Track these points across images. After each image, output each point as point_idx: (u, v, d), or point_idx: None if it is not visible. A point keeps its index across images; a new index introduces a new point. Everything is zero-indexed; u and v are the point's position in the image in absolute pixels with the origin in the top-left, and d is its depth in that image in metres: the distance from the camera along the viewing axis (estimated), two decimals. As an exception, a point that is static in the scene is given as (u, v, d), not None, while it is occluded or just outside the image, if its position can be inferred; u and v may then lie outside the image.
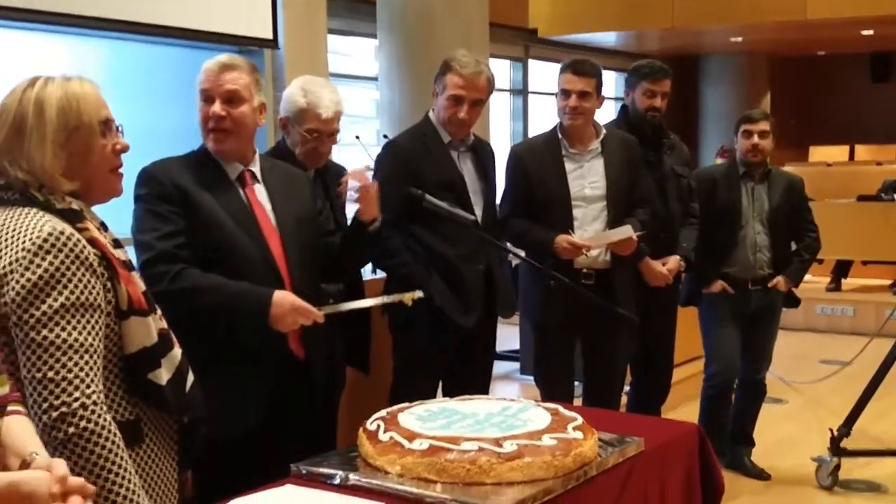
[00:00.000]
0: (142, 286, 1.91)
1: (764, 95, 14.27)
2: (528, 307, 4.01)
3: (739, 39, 12.57)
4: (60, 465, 1.46)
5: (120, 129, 1.95)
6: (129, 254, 2.04)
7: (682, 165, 4.51)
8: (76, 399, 1.70)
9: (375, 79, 7.97)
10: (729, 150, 11.90)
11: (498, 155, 3.85)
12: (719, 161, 11.49)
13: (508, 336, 5.89)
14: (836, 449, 4.64)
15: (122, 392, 1.85)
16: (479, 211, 3.57)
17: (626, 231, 3.74)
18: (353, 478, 2.19)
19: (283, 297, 2.58)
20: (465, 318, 3.49)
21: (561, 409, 2.53)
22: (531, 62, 11.79)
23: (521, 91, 11.71)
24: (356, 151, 5.66)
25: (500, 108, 10.99)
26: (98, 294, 1.78)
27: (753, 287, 4.61)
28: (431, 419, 2.40)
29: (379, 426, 2.34)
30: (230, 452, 2.52)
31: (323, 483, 2.21)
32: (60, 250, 1.74)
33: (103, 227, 1.93)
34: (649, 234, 4.06)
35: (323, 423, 3.00)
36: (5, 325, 1.73)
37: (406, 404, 2.56)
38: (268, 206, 2.74)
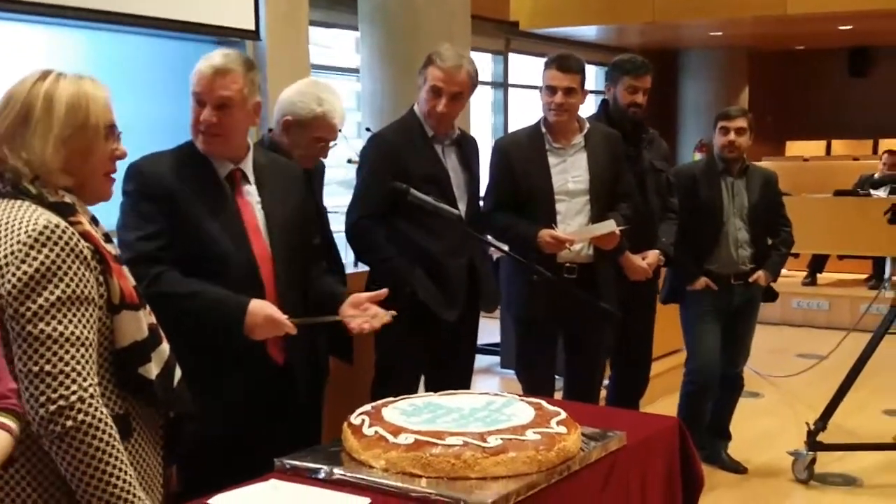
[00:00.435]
0: (132, 280, 1.91)
1: (742, 90, 14.36)
2: (510, 301, 4.03)
3: (719, 34, 12.64)
4: None
5: (120, 136, 1.95)
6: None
7: (661, 160, 4.54)
8: (74, 392, 1.70)
9: (356, 71, 7.96)
10: (707, 144, 11.96)
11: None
12: (697, 155, 11.57)
13: (489, 330, 5.90)
14: (813, 443, 4.69)
15: (112, 386, 1.85)
16: (462, 205, 3.57)
17: (610, 225, 3.76)
18: (338, 472, 2.19)
19: (259, 308, 2.54)
20: (449, 312, 3.50)
21: (544, 403, 2.54)
22: (512, 55, 11.80)
23: (501, 84, 11.72)
24: (339, 144, 5.65)
25: (480, 102, 11.01)
26: (92, 287, 1.79)
27: (736, 282, 4.65)
28: (416, 414, 2.41)
29: (363, 421, 2.35)
30: (215, 448, 2.52)
31: (307, 477, 2.21)
32: (56, 243, 1.74)
33: (94, 220, 1.93)
34: (630, 228, 4.08)
35: (307, 418, 3.00)
36: (1, 318, 1.73)
37: (390, 399, 2.56)
38: (257, 207, 2.70)
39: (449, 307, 3.50)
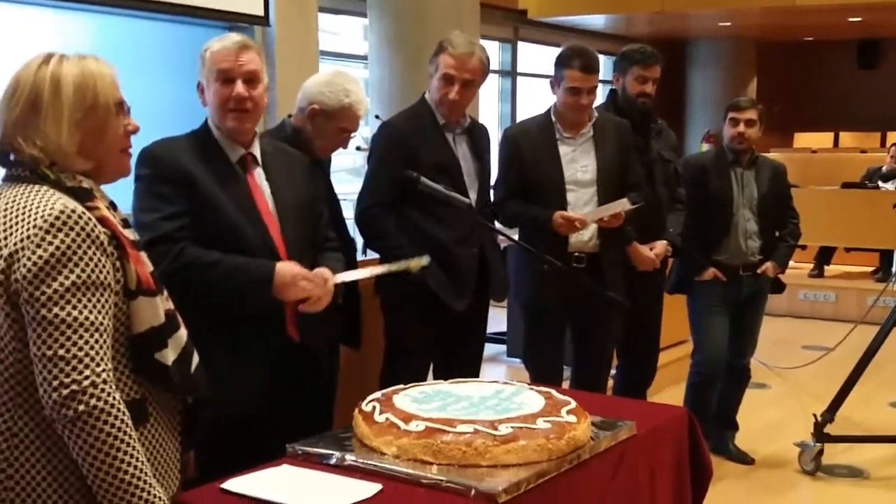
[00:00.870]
0: (149, 266, 1.91)
1: (751, 80, 14.32)
2: (519, 290, 4.03)
3: (728, 24, 12.60)
4: None
5: (129, 110, 1.95)
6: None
7: (669, 150, 4.53)
8: (86, 377, 1.70)
9: (364, 58, 7.95)
10: (715, 135, 11.94)
11: (487, 137, 3.85)
12: (705, 146, 11.54)
13: (495, 318, 5.90)
14: (820, 434, 4.69)
15: (128, 371, 1.85)
16: (473, 194, 3.57)
17: (623, 204, 3.74)
18: (350, 458, 2.20)
19: (288, 268, 2.61)
20: (458, 301, 3.50)
21: (554, 392, 2.55)
22: (520, 44, 11.77)
23: (509, 73, 11.70)
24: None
25: (488, 90, 10.99)
26: (108, 273, 1.78)
27: (744, 273, 4.64)
28: (427, 401, 2.42)
29: (374, 407, 2.36)
30: (232, 432, 2.53)
31: (319, 463, 2.22)
32: (72, 228, 1.74)
33: (113, 206, 1.93)
34: (637, 219, 4.08)
35: (324, 402, 3.02)
36: (15, 301, 1.73)
37: (401, 386, 2.57)
38: (267, 191, 2.74)
39: (459, 296, 3.50)
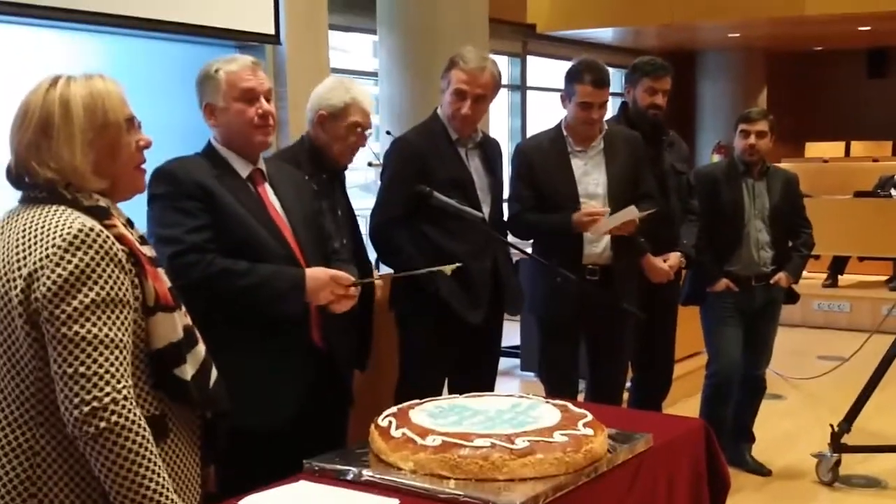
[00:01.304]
0: (167, 282, 1.92)
1: (761, 91, 14.30)
2: (533, 303, 4.03)
3: (737, 35, 12.59)
4: None
5: (140, 125, 1.96)
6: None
7: (681, 162, 4.54)
8: (107, 394, 1.71)
9: (375, 74, 7.98)
10: (726, 146, 11.92)
11: (498, 151, 3.86)
12: (716, 157, 11.53)
13: (509, 332, 5.91)
14: (837, 445, 4.66)
15: (148, 387, 1.86)
16: (486, 208, 3.58)
17: (632, 212, 3.74)
18: (367, 474, 2.20)
19: (318, 271, 2.68)
20: (473, 314, 3.50)
21: (570, 405, 2.55)
22: (529, 58, 11.79)
23: (519, 87, 11.71)
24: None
25: (498, 105, 11.00)
26: (127, 290, 1.80)
27: (757, 284, 4.63)
28: (442, 416, 2.42)
29: (391, 422, 2.36)
30: (253, 447, 2.55)
31: (336, 479, 2.22)
32: (90, 247, 1.75)
33: (129, 223, 1.95)
34: (651, 230, 4.08)
35: (341, 415, 3.03)
36: (36, 320, 1.74)
37: (416, 401, 2.57)
38: (277, 205, 2.79)
39: (473, 310, 3.50)
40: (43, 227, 1.78)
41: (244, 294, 2.60)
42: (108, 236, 1.79)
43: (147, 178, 2.06)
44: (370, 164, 6.33)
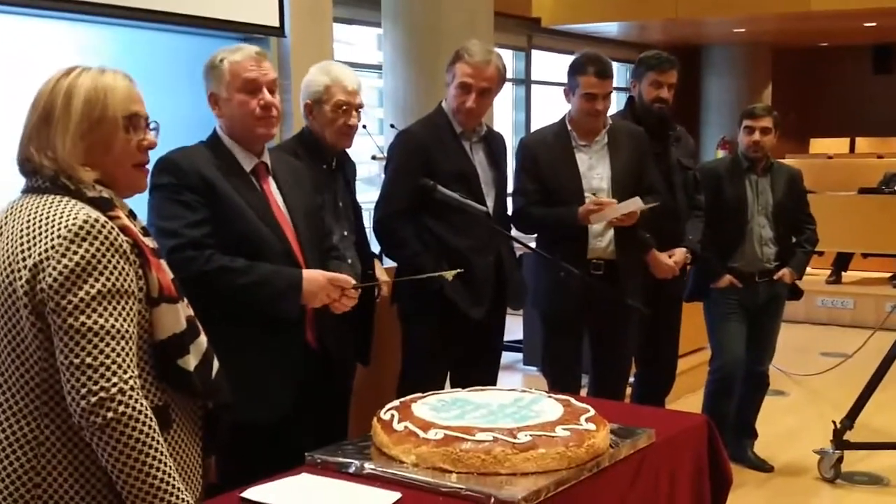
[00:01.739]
0: (170, 274, 1.92)
1: (766, 86, 14.28)
2: (536, 298, 4.03)
3: (742, 30, 12.57)
4: None
5: (153, 125, 1.95)
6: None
7: (688, 157, 4.52)
8: (114, 384, 1.72)
9: (378, 67, 7.97)
10: (730, 141, 11.90)
11: (502, 145, 3.85)
12: (720, 152, 11.53)
13: (512, 326, 5.91)
14: (839, 441, 4.66)
15: (152, 378, 1.86)
16: (490, 202, 3.58)
17: (636, 202, 3.73)
18: (369, 467, 2.20)
19: (316, 273, 2.67)
20: (476, 309, 3.50)
21: (573, 400, 2.55)
22: (534, 52, 11.78)
23: (523, 81, 11.70)
24: (363, 141, 5.67)
25: (502, 99, 10.98)
26: (132, 281, 1.80)
27: (760, 280, 4.63)
28: (445, 409, 2.42)
29: (393, 416, 2.36)
30: (251, 440, 2.55)
31: (338, 472, 2.22)
32: (96, 238, 1.75)
33: (132, 215, 1.95)
34: (656, 225, 4.07)
35: (340, 411, 3.03)
36: (41, 311, 1.75)
37: (419, 394, 2.57)
38: (279, 199, 2.78)
39: (476, 304, 3.50)
40: (48, 217, 1.78)
41: (241, 293, 2.59)
42: (112, 227, 1.79)
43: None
44: (374, 158, 6.33)
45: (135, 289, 1.81)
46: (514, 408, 2.45)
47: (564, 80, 3.95)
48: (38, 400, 1.78)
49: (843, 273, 9.55)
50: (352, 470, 2.22)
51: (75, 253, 1.74)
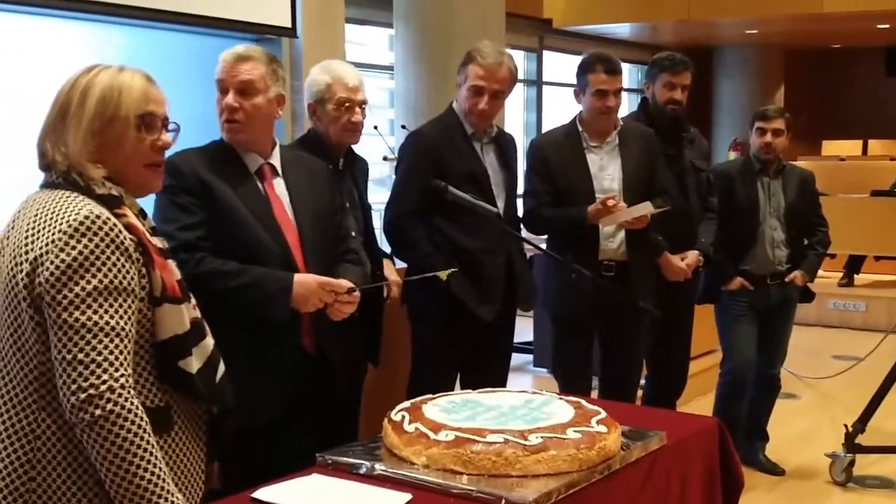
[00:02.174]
0: (177, 274, 1.91)
1: (778, 88, 14.23)
2: (547, 299, 4.02)
3: (755, 32, 12.53)
4: None
5: (171, 126, 1.95)
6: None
7: (701, 159, 4.51)
8: (104, 382, 1.71)
9: (390, 68, 7.98)
10: (742, 143, 11.85)
11: (513, 146, 3.85)
12: (732, 154, 11.49)
13: (522, 328, 5.91)
14: (851, 445, 4.64)
15: (153, 378, 1.86)
16: (501, 203, 3.58)
17: (646, 207, 3.73)
18: (379, 468, 2.20)
19: (306, 278, 2.63)
20: (486, 310, 3.49)
21: (584, 402, 2.54)
22: (546, 53, 11.77)
23: (535, 82, 11.69)
24: (375, 142, 5.67)
25: (514, 99, 10.97)
26: (132, 279, 1.80)
27: (772, 282, 4.62)
28: (455, 411, 2.41)
29: (404, 417, 2.35)
30: (252, 443, 2.54)
31: (349, 473, 2.22)
32: (96, 234, 1.75)
33: (142, 214, 1.95)
34: (668, 228, 4.06)
35: (345, 413, 3.02)
36: (39, 304, 1.75)
37: (429, 396, 2.57)
38: (286, 201, 2.77)
39: (486, 305, 3.49)
40: (53, 212, 1.79)
41: (231, 295, 2.57)
42: (114, 224, 1.79)
43: None
44: (385, 159, 6.33)
45: (135, 287, 1.80)
46: (525, 409, 2.44)
47: (575, 81, 3.95)
48: (35, 393, 1.78)
49: (855, 276, 9.52)
50: (362, 471, 2.22)
51: (73, 248, 1.74)
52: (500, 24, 7.22)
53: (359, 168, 3.41)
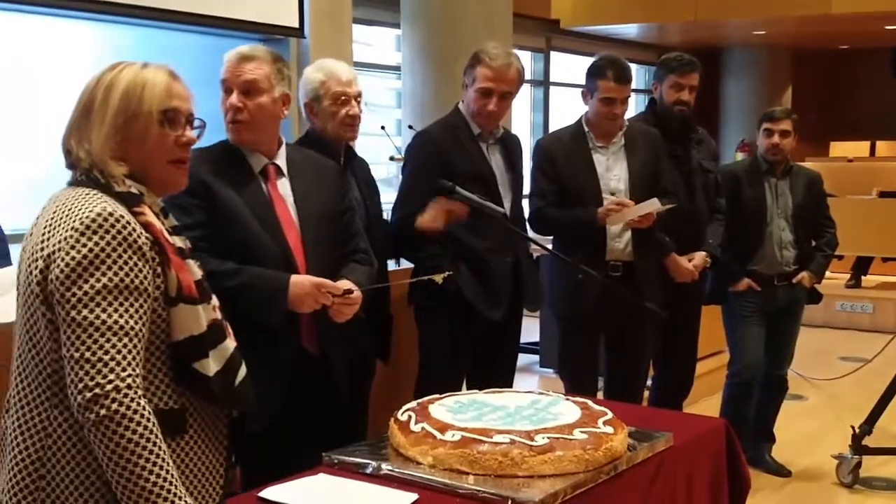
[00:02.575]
0: (197, 275, 1.89)
1: (786, 89, 14.20)
2: (554, 299, 4.03)
3: (762, 33, 12.51)
4: None
5: (197, 123, 1.94)
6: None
7: (709, 160, 4.50)
8: (110, 381, 1.69)
9: (397, 68, 7.97)
10: (750, 144, 11.83)
11: (520, 146, 3.85)
12: (740, 155, 11.47)
13: (528, 328, 5.90)
14: (858, 447, 4.63)
15: (167, 380, 1.83)
16: (507, 203, 3.57)
17: (653, 204, 3.73)
18: (386, 468, 2.21)
19: (302, 279, 2.62)
20: (494, 311, 3.49)
21: (591, 403, 2.55)
22: (553, 53, 11.76)
23: (542, 82, 11.69)
24: (382, 142, 5.67)
25: (521, 100, 10.96)
26: (145, 278, 1.78)
27: (779, 283, 4.61)
28: (462, 411, 2.42)
29: (410, 417, 2.36)
30: (258, 445, 2.53)
31: (355, 472, 2.23)
32: (108, 231, 1.74)
33: (163, 212, 1.93)
34: (676, 229, 4.06)
35: (351, 414, 3.01)
36: (50, 301, 1.74)
37: (436, 396, 2.57)
38: (290, 201, 2.76)
39: (494, 306, 3.49)
40: (69, 209, 1.78)
41: (225, 298, 2.56)
42: (128, 222, 1.77)
43: None
44: (392, 159, 6.33)
45: (148, 286, 1.78)
46: (531, 410, 2.45)
47: (583, 81, 3.95)
48: (48, 391, 1.77)
49: (862, 277, 9.50)
50: (369, 471, 2.22)
51: (84, 245, 1.73)
52: (508, 24, 7.21)
53: (357, 165, 3.39)
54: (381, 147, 6.43)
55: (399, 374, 3.62)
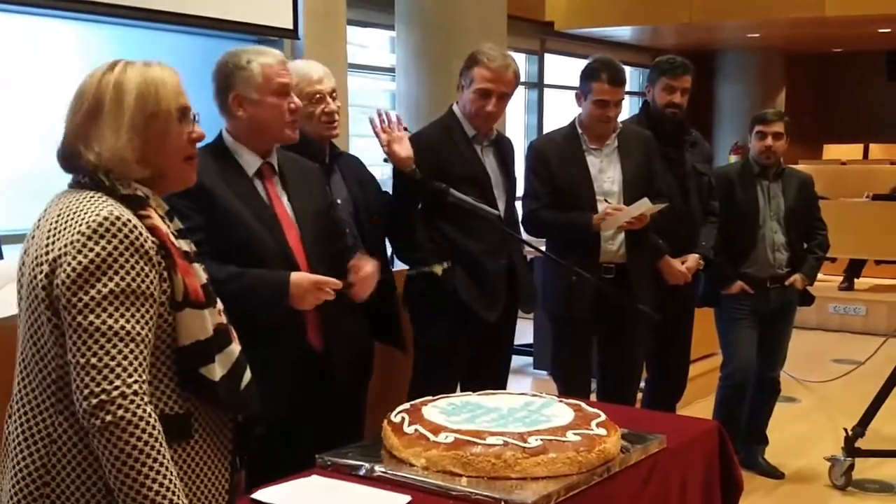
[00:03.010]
0: (202, 279, 1.88)
1: (779, 92, 14.23)
2: (547, 301, 4.03)
3: (756, 35, 12.54)
4: None
5: (196, 117, 1.94)
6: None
7: (703, 163, 4.51)
8: (116, 387, 1.68)
9: (391, 70, 7.98)
10: (743, 146, 11.85)
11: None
12: (733, 158, 11.48)
13: (522, 330, 5.90)
14: (851, 449, 4.64)
15: (173, 385, 1.81)
16: (501, 205, 3.58)
17: (644, 204, 3.73)
18: (379, 469, 2.21)
19: (301, 276, 2.63)
20: (489, 312, 3.49)
21: (584, 405, 2.55)
22: (547, 55, 11.77)
23: (536, 84, 11.70)
24: (376, 143, 5.66)
25: (515, 102, 10.95)
26: (151, 283, 1.76)
27: (772, 286, 4.62)
28: (455, 413, 2.42)
29: (403, 419, 2.36)
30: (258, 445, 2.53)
31: (348, 474, 2.23)
32: (115, 236, 1.73)
33: (169, 216, 1.91)
34: (669, 231, 4.06)
35: (348, 414, 3.01)
36: (56, 307, 1.72)
37: (429, 398, 2.57)
38: (285, 200, 2.78)
39: (489, 307, 3.49)
40: (74, 213, 1.76)
41: (227, 301, 2.57)
42: (135, 226, 1.75)
43: None
44: (386, 160, 6.32)
45: (154, 291, 1.76)
46: (524, 412, 2.45)
47: (577, 83, 3.95)
48: (53, 397, 1.76)
49: (855, 280, 9.52)
50: (362, 472, 2.22)
51: (91, 250, 1.71)
52: (502, 26, 7.22)
53: (343, 162, 3.37)
54: (375, 149, 6.42)
55: (394, 376, 3.61)
